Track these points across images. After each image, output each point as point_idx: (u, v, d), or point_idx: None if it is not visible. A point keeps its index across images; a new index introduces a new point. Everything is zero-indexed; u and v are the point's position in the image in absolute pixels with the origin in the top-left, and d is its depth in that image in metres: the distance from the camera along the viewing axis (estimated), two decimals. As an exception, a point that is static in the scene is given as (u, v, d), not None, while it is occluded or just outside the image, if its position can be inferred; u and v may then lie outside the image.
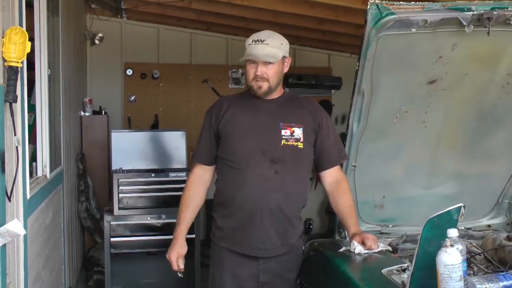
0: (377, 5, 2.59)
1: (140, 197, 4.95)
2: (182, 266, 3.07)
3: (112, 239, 4.86)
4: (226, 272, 3.01)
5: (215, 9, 6.12)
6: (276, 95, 3.04)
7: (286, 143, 2.94)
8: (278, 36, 2.95)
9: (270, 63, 2.90)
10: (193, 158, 3.19)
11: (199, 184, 3.12)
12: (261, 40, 2.89)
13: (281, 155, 2.93)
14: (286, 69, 3.01)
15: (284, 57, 2.96)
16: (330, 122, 3.12)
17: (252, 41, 2.91)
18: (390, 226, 3.46)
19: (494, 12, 2.60)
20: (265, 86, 2.93)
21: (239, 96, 3.18)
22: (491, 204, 3.60)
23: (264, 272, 2.98)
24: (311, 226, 3.31)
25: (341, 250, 2.90)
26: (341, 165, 3.16)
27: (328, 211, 5.48)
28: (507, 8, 2.63)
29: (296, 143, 2.95)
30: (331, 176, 3.09)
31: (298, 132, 2.96)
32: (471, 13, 2.61)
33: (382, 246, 2.89)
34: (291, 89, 7.86)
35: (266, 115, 3.00)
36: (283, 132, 2.95)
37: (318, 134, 3.03)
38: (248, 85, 2.99)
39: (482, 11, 2.61)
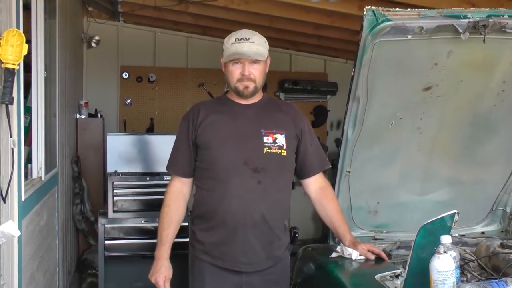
0: (373, 12, 2.58)
1: (135, 200, 4.92)
2: None
3: (106, 242, 4.83)
4: (207, 286, 2.85)
5: (212, 13, 6.13)
6: (256, 98, 2.89)
7: (269, 150, 2.78)
8: (259, 35, 2.81)
9: (256, 63, 2.76)
10: (170, 169, 2.98)
11: (179, 198, 2.94)
12: (246, 38, 2.74)
13: (264, 164, 2.76)
14: (267, 70, 2.88)
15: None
16: (311, 128, 3.01)
17: (236, 40, 2.74)
18: (384, 232, 3.45)
19: (490, 20, 2.60)
20: (251, 86, 2.79)
21: (216, 101, 3.04)
22: (485, 211, 3.59)
23: (247, 286, 2.81)
24: (297, 235, 3.22)
25: (333, 255, 2.90)
26: (324, 172, 3.07)
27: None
28: (502, 15, 2.64)
29: (280, 151, 2.79)
30: (316, 182, 2.99)
31: (281, 139, 2.81)
32: (467, 20, 2.61)
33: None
34: (287, 94, 7.90)
35: (246, 121, 2.84)
36: (265, 139, 2.78)
37: (301, 141, 2.91)
38: (232, 86, 2.81)
39: (477, 19, 2.61)
